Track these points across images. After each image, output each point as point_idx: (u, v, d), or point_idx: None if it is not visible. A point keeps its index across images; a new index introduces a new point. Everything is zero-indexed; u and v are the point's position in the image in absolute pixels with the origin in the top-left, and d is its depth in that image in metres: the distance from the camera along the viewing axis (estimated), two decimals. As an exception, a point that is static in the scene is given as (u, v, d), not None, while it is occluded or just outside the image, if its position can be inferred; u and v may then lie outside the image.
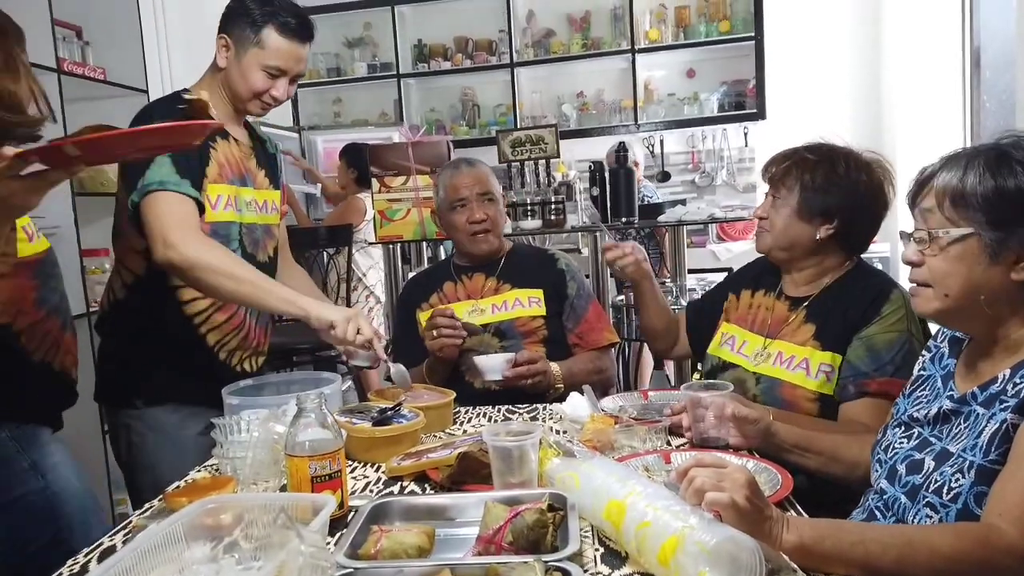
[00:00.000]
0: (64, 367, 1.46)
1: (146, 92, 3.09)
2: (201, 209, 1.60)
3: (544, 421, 1.61)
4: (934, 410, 1.08)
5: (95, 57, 2.98)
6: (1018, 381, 0.98)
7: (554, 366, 1.86)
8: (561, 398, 1.64)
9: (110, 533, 1.11)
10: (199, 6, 3.78)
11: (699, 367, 1.88)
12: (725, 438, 1.31)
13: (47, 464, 1.40)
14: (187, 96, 1.66)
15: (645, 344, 3.31)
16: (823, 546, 0.89)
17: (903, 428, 1.14)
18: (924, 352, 1.21)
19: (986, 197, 0.99)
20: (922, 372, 1.18)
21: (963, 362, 1.11)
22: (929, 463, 1.04)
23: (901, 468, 1.08)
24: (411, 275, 2.57)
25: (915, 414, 1.12)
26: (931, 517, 1.00)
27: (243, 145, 1.77)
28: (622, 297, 3.24)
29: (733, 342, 1.64)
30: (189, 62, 3.56)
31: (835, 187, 1.50)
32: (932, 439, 1.07)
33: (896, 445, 1.13)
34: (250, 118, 1.83)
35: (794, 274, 1.60)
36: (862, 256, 1.59)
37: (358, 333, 1.53)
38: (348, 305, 3.38)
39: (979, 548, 0.88)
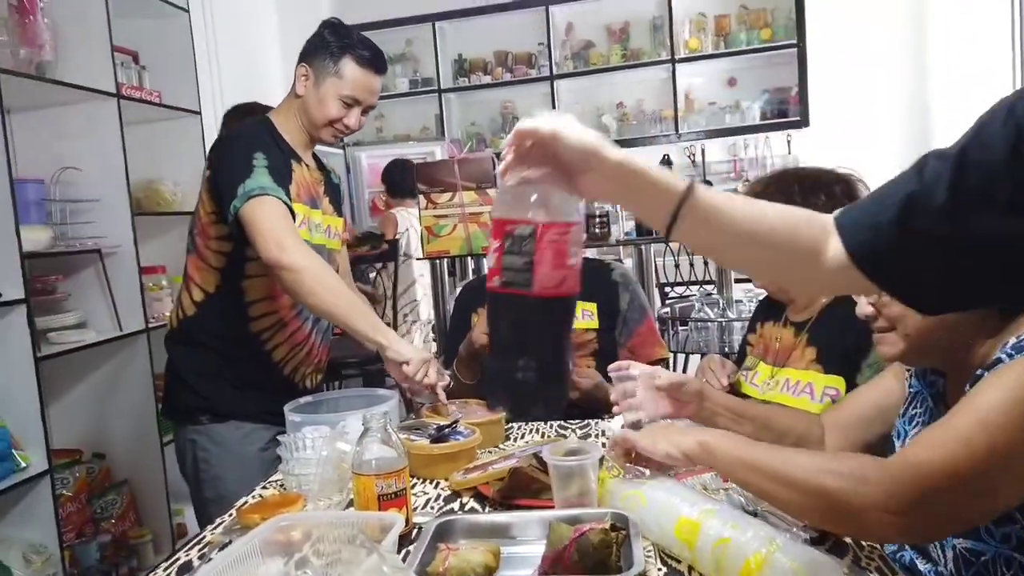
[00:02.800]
0: None
1: (199, 113, 3.18)
2: (293, 217, 1.67)
3: (597, 438, 1.63)
4: None
5: (151, 81, 3.08)
6: None
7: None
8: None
9: (185, 548, 1.15)
10: (246, 32, 3.90)
11: None
12: (655, 417, 1.30)
13: None
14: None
15: (691, 356, 3.30)
16: (725, 446, 0.99)
17: None
18: (908, 368, 1.18)
19: None
20: (911, 389, 1.16)
21: (950, 390, 1.07)
22: None
23: None
24: (466, 281, 2.60)
25: None
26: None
27: (313, 171, 1.87)
28: (667, 310, 3.24)
29: (747, 374, 1.65)
30: (238, 84, 3.67)
31: None
32: None
33: None
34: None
35: (793, 303, 1.60)
36: None
37: (426, 376, 1.60)
38: (394, 320, 3.43)
39: (853, 474, 0.86)
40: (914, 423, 1.12)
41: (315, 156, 1.93)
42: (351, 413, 1.43)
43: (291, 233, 1.60)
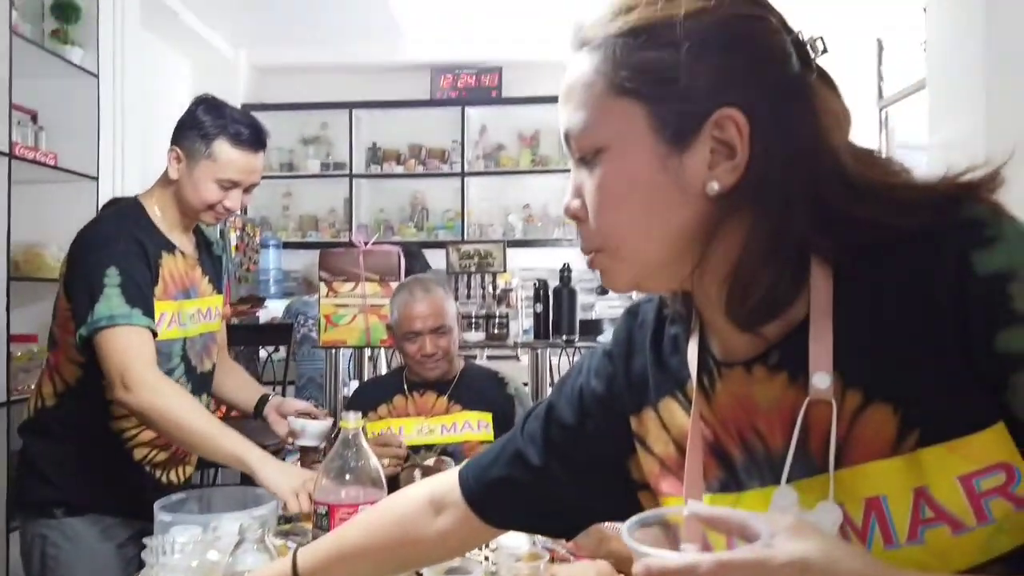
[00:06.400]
0: None
1: (96, 179, 3.09)
2: (154, 333, 1.59)
3: (480, 549, 1.61)
4: None
5: (48, 142, 2.98)
6: None
7: None
8: None
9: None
10: (158, 105, 3.86)
11: None
12: None
13: None
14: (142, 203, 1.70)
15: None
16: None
17: None
18: None
19: None
20: None
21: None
22: None
23: None
24: (363, 381, 2.56)
25: None
26: None
27: (188, 257, 1.76)
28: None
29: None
30: (141, 154, 3.59)
31: None
32: None
33: None
34: None
35: None
36: None
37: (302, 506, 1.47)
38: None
39: None
40: None
41: (197, 230, 1.81)
42: (226, 515, 1.36)
43: (136, 368, 1.51)
